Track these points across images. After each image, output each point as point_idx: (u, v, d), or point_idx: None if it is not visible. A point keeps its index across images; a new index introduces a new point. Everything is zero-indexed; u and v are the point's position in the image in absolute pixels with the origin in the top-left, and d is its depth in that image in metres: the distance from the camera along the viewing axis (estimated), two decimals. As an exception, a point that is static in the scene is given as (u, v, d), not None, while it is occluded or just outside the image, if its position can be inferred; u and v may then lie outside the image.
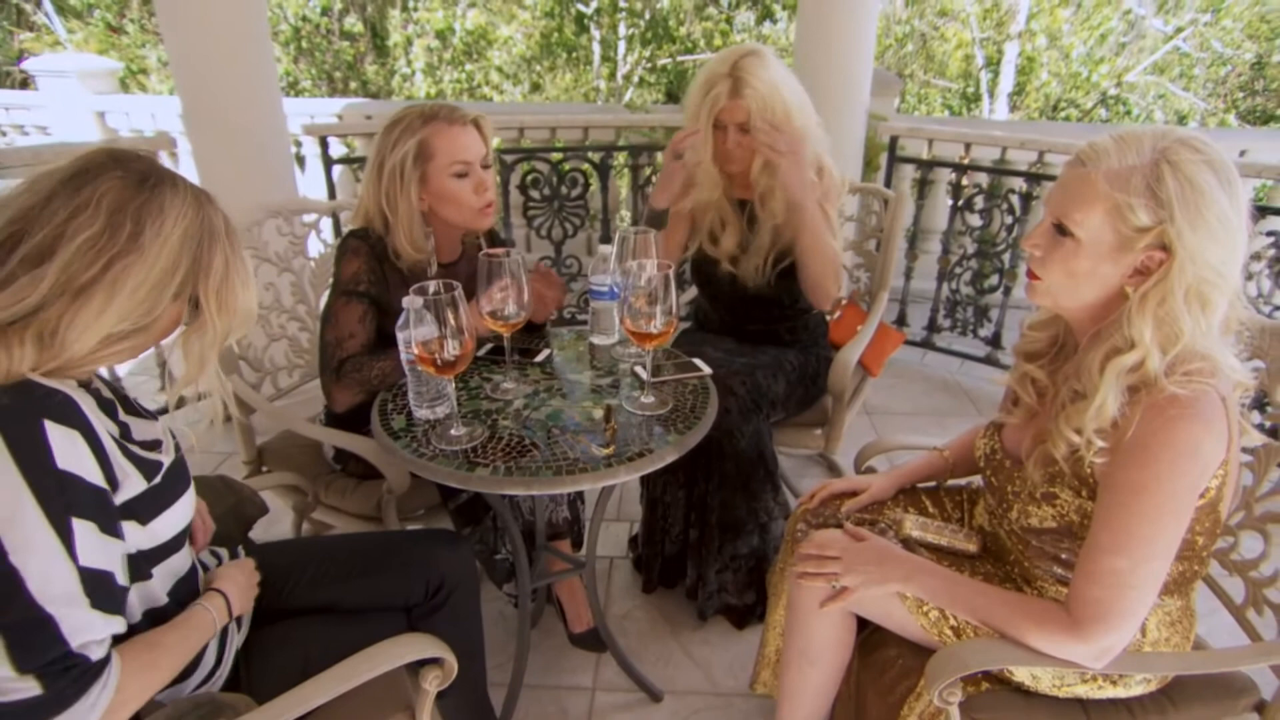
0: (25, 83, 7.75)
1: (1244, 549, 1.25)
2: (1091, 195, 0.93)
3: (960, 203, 3.16)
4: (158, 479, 0.90)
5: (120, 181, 0.82)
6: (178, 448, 0.98)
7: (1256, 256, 2.56)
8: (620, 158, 3.58)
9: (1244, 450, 1.15)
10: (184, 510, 0.95)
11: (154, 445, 0.94)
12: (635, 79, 11.19)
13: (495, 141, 4.02)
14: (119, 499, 0.85)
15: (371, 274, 1.49)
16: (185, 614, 0.96)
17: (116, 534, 0.84)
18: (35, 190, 0.81)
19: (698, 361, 1.54)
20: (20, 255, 0.78)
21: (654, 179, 3.37)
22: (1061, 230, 0.97)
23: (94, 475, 0.81)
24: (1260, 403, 2.17)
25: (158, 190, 0.84)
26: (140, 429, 0.93)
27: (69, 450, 0.79)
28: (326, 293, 1.63)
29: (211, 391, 0.98)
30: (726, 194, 1.83)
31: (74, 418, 0.80)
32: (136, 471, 0.87)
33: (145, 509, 0.89)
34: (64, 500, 0.77)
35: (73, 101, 4.64)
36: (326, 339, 1.49)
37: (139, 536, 0.89)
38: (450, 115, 1.47)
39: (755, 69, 1.64)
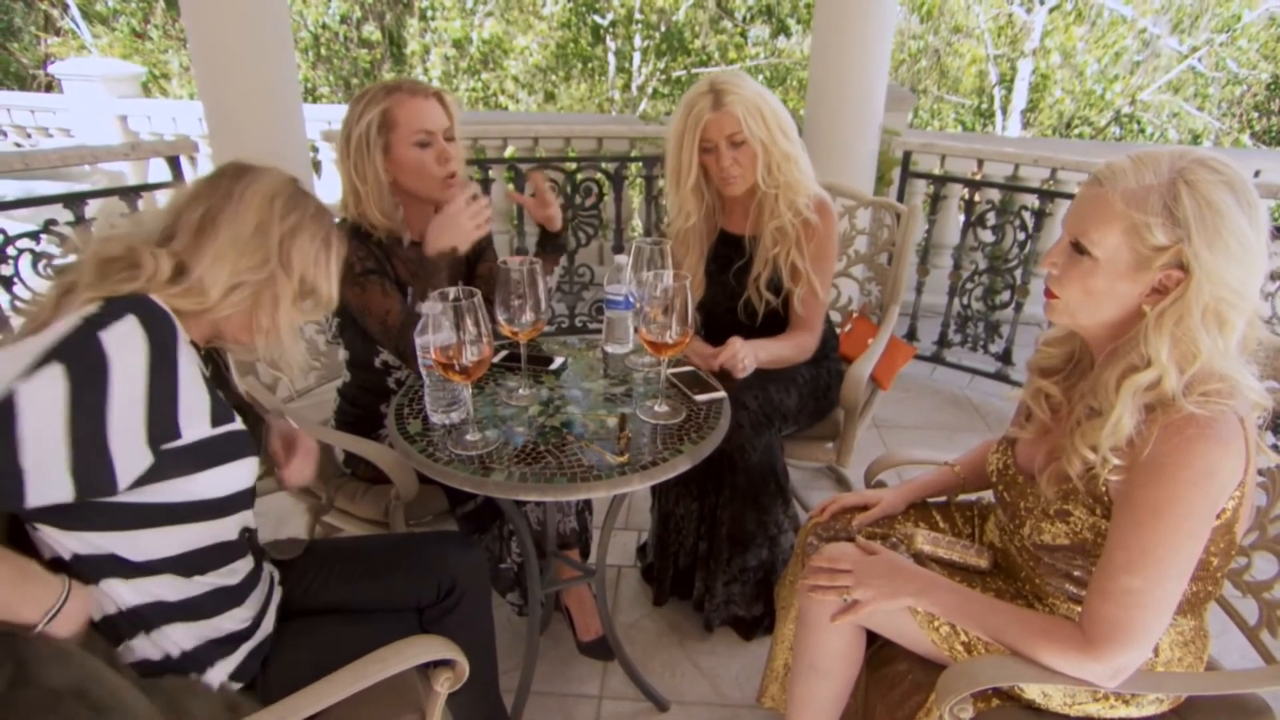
0: (51, 86, 7.88)
1: (1257, 570, 1.24)
2: (1109, 214, 0.93)
3: (972, 218, 3.16)
4: (221, 430, 0.95)
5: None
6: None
7: (1273, 277, 2.55)
8: (634, 168, 3.61)
9: (1258, 471, 1.14)
10: (238, 476, 0.99)
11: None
12: (649, 90, 11.26)
13: (509, 150, 4.05)
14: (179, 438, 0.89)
15: (359, 252, 1.51)
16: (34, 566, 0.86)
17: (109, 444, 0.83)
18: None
19: (710, 378, 1.53)
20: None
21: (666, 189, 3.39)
22: (1079, 249, 0.97)
23: (134, 375, 0.84)
24: (1275, 423, 2.15)
25: None
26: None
27: (122, 337, 0.84)
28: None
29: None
30: (712, 221, 1.82)
31: (158, 327, 0.87)
32: (208, 411, 0.92)
33: (202, 457, 0.93)
34: (74, 356, 0.81)
35: (96, 105, 4.71)
36: (373, 329, 1.51)
37: (184, 486, 0.92)
38: (413, 88, 1.50)
39: (735, 81, 1.62)
